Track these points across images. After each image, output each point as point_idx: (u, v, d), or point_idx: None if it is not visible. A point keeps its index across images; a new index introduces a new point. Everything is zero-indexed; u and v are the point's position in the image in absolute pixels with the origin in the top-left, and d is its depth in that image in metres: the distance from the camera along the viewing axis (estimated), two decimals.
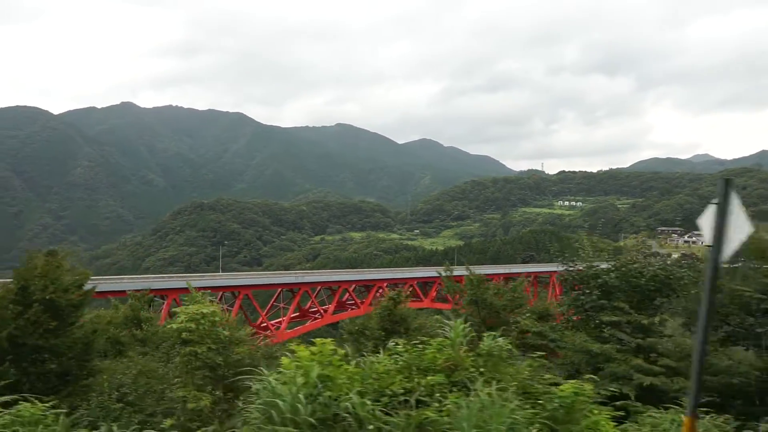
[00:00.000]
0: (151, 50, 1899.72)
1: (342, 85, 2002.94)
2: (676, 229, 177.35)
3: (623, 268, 12.64)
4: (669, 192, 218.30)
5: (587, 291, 13.44)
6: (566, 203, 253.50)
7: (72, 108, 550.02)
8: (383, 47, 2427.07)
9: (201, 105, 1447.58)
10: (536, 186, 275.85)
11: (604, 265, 13.97)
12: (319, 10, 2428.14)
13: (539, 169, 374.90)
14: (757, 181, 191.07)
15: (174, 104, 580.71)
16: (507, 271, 69.22)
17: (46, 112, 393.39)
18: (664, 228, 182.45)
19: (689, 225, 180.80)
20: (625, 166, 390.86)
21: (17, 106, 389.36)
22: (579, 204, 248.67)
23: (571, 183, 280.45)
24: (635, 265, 12.69)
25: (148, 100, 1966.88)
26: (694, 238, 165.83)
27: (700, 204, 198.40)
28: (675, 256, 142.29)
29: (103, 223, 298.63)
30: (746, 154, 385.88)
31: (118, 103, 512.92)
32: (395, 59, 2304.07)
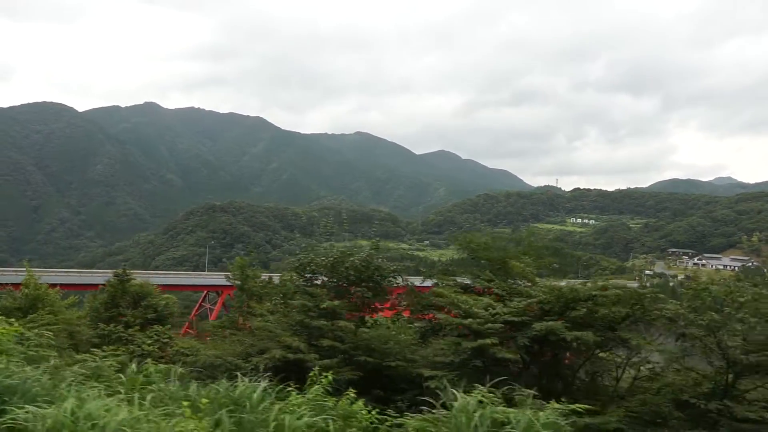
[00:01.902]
0: (181, 53, 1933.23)
1: (366, 94, 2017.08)
2: (687, 251, 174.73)
3: (333, 259, 13.21)
4: (682, 213, 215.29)
5: (299, 276, 14.38)
6: (579, 220, 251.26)
7: (97, 106, 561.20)
8: (411, 57, 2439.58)
9: (225, 108, 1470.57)
10: (550, 202, 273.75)
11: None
12: (351, 18, 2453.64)
13: (554, 185, 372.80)
14: None
15: (198, 106, 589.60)
16: None
17: (71, 108, 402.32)
18: (674, 249, 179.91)
19: (700, 247, 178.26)
20: (643, 186, 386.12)
21: (43, 102, 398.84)
22: (592, 222, 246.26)
23: (585, 200, 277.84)
24: (346, 257, 13.29)
25: (174, 101, 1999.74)
26: (703, 261, 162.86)
27: (713, 226, 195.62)
28: (680, 277, 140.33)
29: (119, 221, 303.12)
30: None
31: (142, 103, 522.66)
32: (422, 70, 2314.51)
